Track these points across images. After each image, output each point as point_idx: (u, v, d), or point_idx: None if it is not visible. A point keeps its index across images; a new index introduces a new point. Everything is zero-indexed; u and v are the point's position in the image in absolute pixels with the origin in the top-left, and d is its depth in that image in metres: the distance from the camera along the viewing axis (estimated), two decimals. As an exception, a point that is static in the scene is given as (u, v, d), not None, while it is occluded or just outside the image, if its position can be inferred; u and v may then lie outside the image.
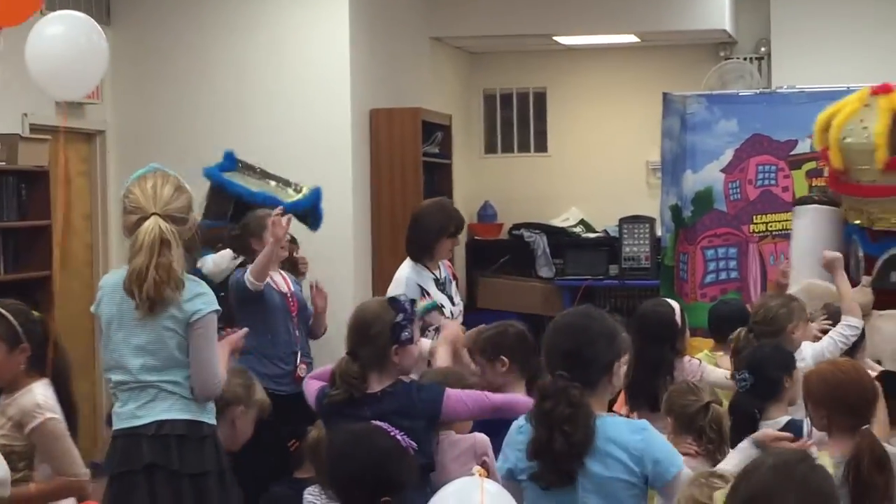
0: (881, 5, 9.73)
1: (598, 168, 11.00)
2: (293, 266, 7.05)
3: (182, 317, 4.28)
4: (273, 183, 7.74)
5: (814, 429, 3.90)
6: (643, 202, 10.30)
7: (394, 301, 4.22)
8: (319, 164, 8.57)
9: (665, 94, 8.17)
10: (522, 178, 11.25)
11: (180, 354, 4.29)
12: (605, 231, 10.75)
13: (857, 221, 6.44)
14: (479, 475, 2.96)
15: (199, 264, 6.88)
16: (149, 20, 8.81)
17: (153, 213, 4.25)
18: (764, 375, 4.48)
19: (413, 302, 4.35)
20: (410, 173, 9.14)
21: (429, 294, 6.07)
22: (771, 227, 7.95)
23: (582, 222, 11.02)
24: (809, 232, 6.73)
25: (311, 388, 4.33)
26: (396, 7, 9.67)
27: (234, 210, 7.38)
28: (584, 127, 11.23)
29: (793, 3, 9.87)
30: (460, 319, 6.18)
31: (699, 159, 7.96)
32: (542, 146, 11.45)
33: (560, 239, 10.74)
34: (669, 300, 5.69)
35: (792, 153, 7.93)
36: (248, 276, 6.18)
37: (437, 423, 4.14)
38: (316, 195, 7.73)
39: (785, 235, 7.86)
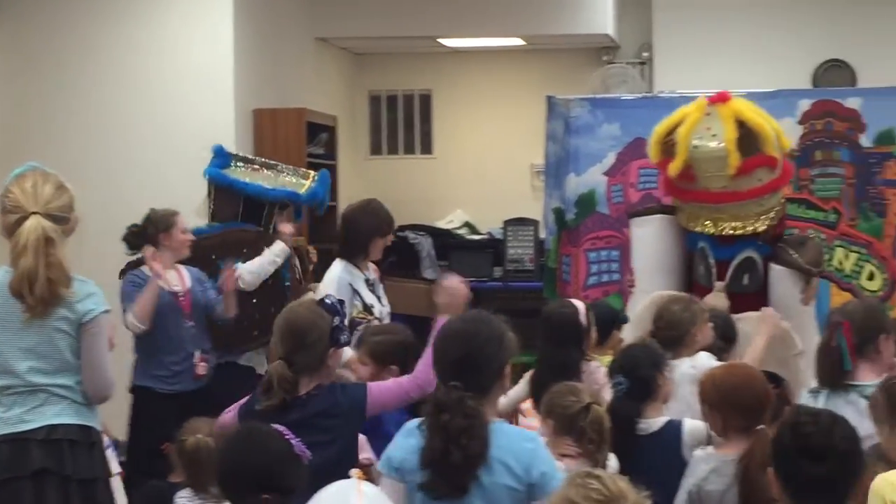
0: (760, 12, 9.91)
1: (483, 170, 11.05)
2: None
3: (74, 317, 4.20)
4: (283, 174, 7.49)
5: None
6: (527, 205, 10.36)
7: (325, 304, 4.19)
8: (203, 164, 8.46)
9: (549, 98, 8.22)
10: (407, 180, 11.25)
11: (71, 357, 4.21)
12: (490, 233, 10.79)
13: (703, 230, 6.51)
14: (357, 477, 2.94)
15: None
16: (24, 17, 8.62)
17: (34, 213, 4.16)
18: (637, 376, 4.53)
19: (342, 302, 4.33)
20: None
21: (360, 294, 6.09)
22: (653, 230, 8.04)
23: (467, 224, 11.05)
24: (654, 242, 6.80)
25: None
26: (281, 6, 9.59)
27: (245, 209, 7.18)
28: (470, 129, 11.27)
29: (674, 10, 10.02)
30: (387, 320, 6.23)
31: (582, 162, 8.02)
32: (427, 148, 11.47)
33: (445, 241, 10.75)
34: (574, 301, 5.74)
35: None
36: (132, 320, 6.13)
37: (363, 419, 4.12)
38: (326, 179, 7.62)
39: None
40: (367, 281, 6.25)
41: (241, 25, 8.73)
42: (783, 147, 6.58)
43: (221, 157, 7.31)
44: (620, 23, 10.41)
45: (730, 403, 3.94)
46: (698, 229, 6.53)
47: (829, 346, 4.48)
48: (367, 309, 6.23)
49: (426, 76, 11.35)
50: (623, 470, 4.08)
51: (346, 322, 5.27)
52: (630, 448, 4.29)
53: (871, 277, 7.75)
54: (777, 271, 6.46)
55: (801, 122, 7.87)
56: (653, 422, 4.48)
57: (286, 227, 7.04)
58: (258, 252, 6.91)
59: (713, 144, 6.33)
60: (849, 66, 9.70)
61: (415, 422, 3.46)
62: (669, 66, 9.94)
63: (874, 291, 7.69)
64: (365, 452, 4.17)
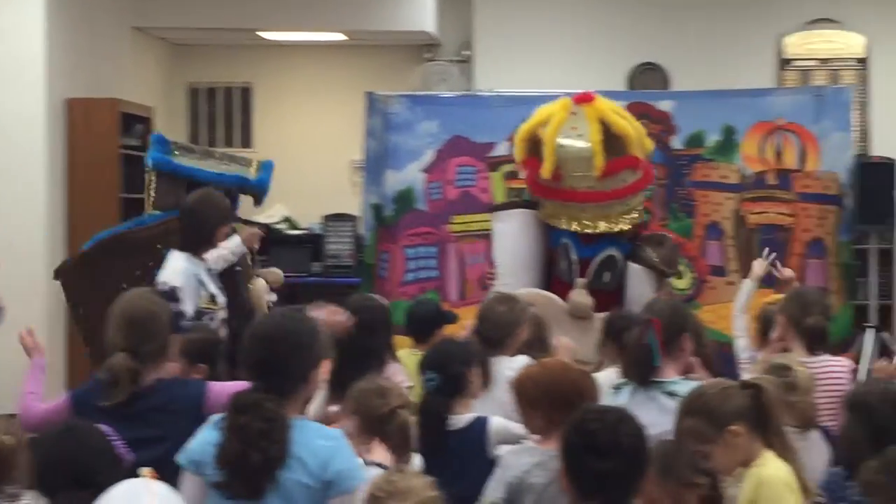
0: (578, 14, 10.07)
1: (303, 165, 10.97)
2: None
3: None
4: (223, 163, 7.22)
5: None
6: (347, 200, 10.32)
7: (163, 292, 4.10)
8: (10, 154, 8.23)
9: (368, 94, 8.21)
10: (227, 174, 11.10)
11: None
12: (309, 228, 10.73)
13: (567, 227, 6.56)
14: (148, 476, 2.88)
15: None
16: None
17: None
18: (449, 373, 4.55)
19: (174, 289, 4.23)
20: (108, 166, 8.89)
21: (205, 285, 5.97)
22: (470, 227, 8.10)
23: (286, 219, 10.97)
24: (516, 236, 6.79)
25: (36, 409, 4.16)
26: (97, -6, 9.38)
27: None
28: (290, 124, 11.19)
29: (495, 9, 10.11)
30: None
31: (401, 159, 8.04)
32: (247, 142, 11.34)
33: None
34: (376, 297, 5.73)
35: (490, 155, 8.12)
36: None
37: (200, 418, 4.02)
38: (270, 167, 7.41)
39: (484, 236, 8.03)
40: (208, 271, 6.15)
41: (55, 12, 8.50)
42: (645, 148, 6.70)
43: (161, 145, 7.02)
44: (441, 21, 10.46)
45: (550, 399, 3.98)
46: (563, 226, 6.58)
47: (641, 343, 4.56)
48: (213, 299, 6.12)
49: (247, 69, 11.23)
50: (430, 464, 4.09)
51: (194, 312, 5.21)
52: (437, 443, 4.31)
53: (680, 276, 7.94)
54: (634, 269, 6.54)
55: (614, 124, 8.02)
56: (461, 418, 4.50)
57: (252, 228, 6.87)
58: None
59: (580, 144, 6.36)
60: (662, 69, 9.93)
61: (218, 416, 3.40)
62: (489, 64, 10.02)
63: (683, 290, 7.88)
64: None
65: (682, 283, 7.89)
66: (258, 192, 7.35)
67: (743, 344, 5.76)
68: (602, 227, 6.48)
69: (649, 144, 6.78)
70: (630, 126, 6.51)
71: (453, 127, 8.13)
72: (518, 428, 4.35)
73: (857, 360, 7.68)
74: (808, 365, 4.68)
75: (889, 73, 9.67)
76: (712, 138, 7.96)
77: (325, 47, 11.01)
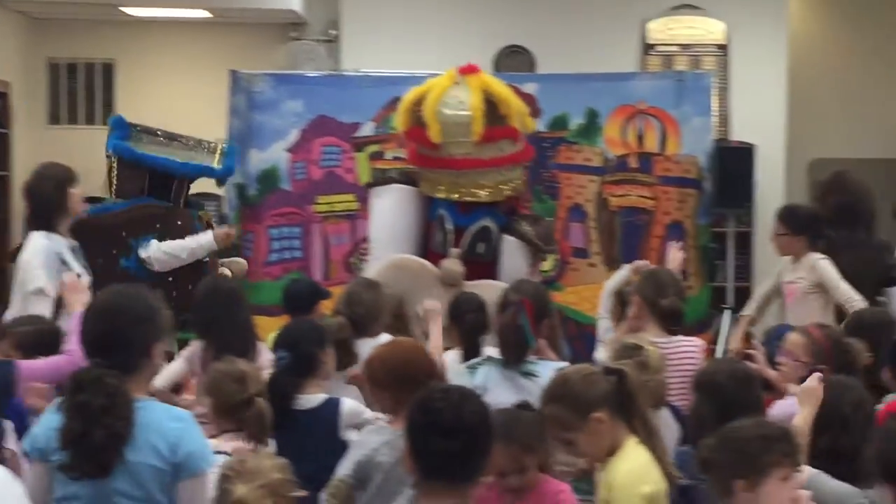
0: (446, -4, 10.08)
1: (167, 144, 10.79)
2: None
3: None
4: (188, 147, 7.00)
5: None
6: (211, 180, 10.18)
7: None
8: None
9: (233, 72, 8.14)
10: (89, 151, 10.80)
11: None
12: (173, 208, 10.56)
13: (445, 196, 6.62)
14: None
15: (142, 251, 6.32)
16: None
17: None
18: (301, 352, 4.53)
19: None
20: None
21: (67, 263, 5.81)
22: (335, 207, 8.08)
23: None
24: (393, 211, 6.81)
25: None
26: (-50, -36, 9.10)
27: (151, 183, 6.64)
28: (154, 101, 10.96)
29: (362, -11, 10.06)
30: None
31: (265, 138, 8.00)
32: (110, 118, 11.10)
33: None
34: (228, 278, 5.67)
35: (355, 135, 8.10)
36: None
37: (10, 397, 3.92)
38: (234, 151, 7.25)
39: (348, 216, 8.03)
40: (70, 248, 5.99)
41: None
42: (526, 125, 6.74)
43: (121, 129, 6.79)
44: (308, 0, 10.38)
45: (399, 379, 3.99)
46: (439, 196, 6.64)
47: (514, 324, 4.59)
48: (78, 276, 5.96)
49: (109, 45, 10.99)
50: (280, 443, 4.07)
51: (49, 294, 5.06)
52: (287, 422, 4.28)
53: (555, 254, 8.02)
54: (509, 242, 6.62)
55: (480, 105, 8.05)
56: (312, 398, 4.49)
57: (227, 229, 6.77)
58: (171, 227, 6.51)
59: (460, 111, 6.41)
60: (528, 52, 9.98)
61: (55, 405, 3.33)
62: (356, 45, 9.96)
63: (546, 271, 7.96)
64: (9, 443, 3.95)
65: (545, 265, 7.97)
66: (224, 180, 7.17)
67: (605, 325, 5.85)
68: (481, 195, 6.55)
69: (531, 124, 6.87)
70: (513, 98, 6.59)
71: (318, 107, 8.09)
72: (370, 413, 4.36)
73: (714, 341, 7.86)
74: (660, 345, 4.77)
75: (748, 60, 9.85)
76: (576, 121, 8.05)
77: (189, 24, 10.83)
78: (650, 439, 3.56)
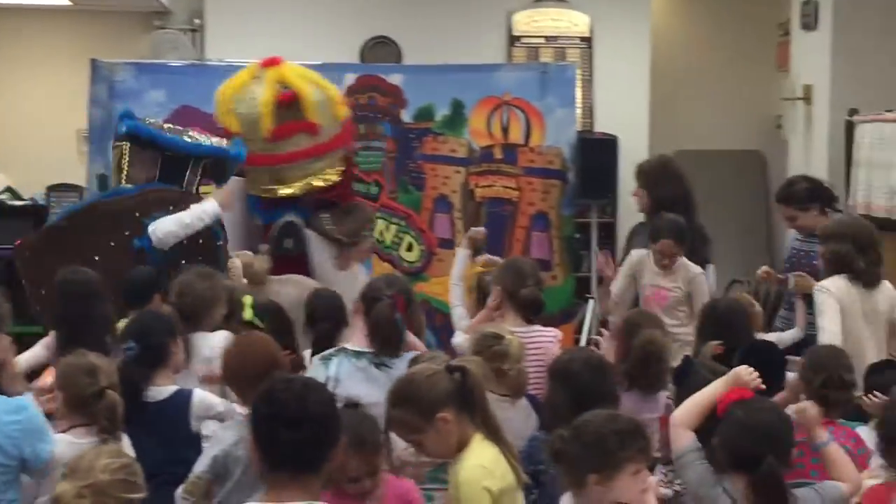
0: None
1: (27, 134, 10.58)
2: None
3: None
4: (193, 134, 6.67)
5: None
6: (73, 170, 9.98)
7: None
8: None
9: (93, 61, 7.98)
10: (-54, 141, 10.62)
11: None
12: (33, 199, 10.34)
13: (252, 192, 6.70)
14: None
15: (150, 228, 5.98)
16: None
17: None
18: (149, 343, 4.48)
19: None
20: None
21: None
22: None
23: (8, 189, 10.54)
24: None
25: None
26: None
27: (163, 171, 6.34)
28: (14, 91, 10.75)
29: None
30: None
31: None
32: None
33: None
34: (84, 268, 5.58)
35: (220, 126, 8.00)
36: None
37: None
38: (241, 143, 6.84)
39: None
40: None
41: None
42: (337, 115, 6.72)
43: (131, 118, 6.48)
44: (173, -12, 10.26)
45: (243, 374, 3.99)
46: (251, 192, 6.69)
47: (391, 319, 4.58)
48: None
49: (-34, 33, 10.74)
50: (132, 436, 4.02)
51: None
52: (137, 415, 4.23)
53: (409, 248, 8.05)
54: (310, 237, 6.63)
55: (345, 96, 8.02)
56: (162, 389, 4.43)
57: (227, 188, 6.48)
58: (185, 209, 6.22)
59: (252, 108, 6.41)
60: (395, 43, 9.99)
61: None
62: (221, 34, 9.86)
63: (412, 262, 8.00)
64: None
65: (411, 256, 8.00)
66: (234, 164, 6.95)
67: (460, 313, 5.89)
68: (280, 191, 6.61)
69: (342, 112, 6.86)
70: (311, 90, 6.59)
71: (182, 97, 7.97)
72: (221, 403, 4.33)
73: (578, 331, 7.96)
74: (519, 334, 4.80)
75: (612, 52, 10.00)
76: (441, 112, 8.07)
77: (49, 12, 10.62)
78: (495, 435, 3.57)
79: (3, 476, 3.18)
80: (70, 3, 10.28)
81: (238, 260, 6.39)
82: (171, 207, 6.17)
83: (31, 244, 6.45)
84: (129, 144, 6.36)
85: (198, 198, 6.36)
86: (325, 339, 5.06)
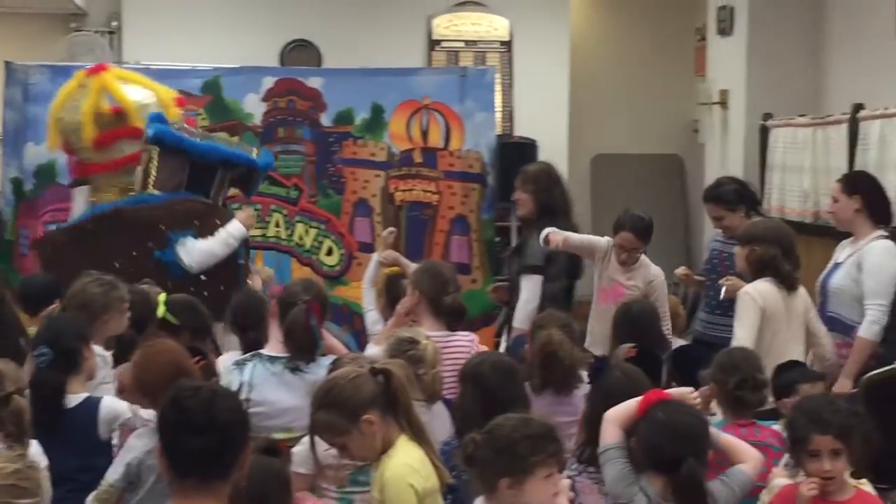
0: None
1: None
2: None
3: None
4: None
5: None
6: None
7: None
8: None
9: (7, 63, 7.88)
10: None
11: None
12: (-54, 204, 10.19)
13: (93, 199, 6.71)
14: None
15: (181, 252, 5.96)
16: None
17: None
18: (62, 348, 4.42)
19: None
20: None
21: None
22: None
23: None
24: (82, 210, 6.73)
25: None
26: None
27: (191, 179, 6.26)
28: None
29: (144, -21, 9.89)
30: None
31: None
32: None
33: None
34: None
35: (136, 129, 7.94)
36: None
37: None
38: (271, 154, 6.94)
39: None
40: None
41: None
42: (172, 117, 6.66)
43: (161, 121, 6.36)
44: (89, -10, 10.16)
45: (150, 382, 3.97)
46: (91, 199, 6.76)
47: (306, 325, 4.57)
48: None
49: None
50: (44, 443, 3.97)
51: None
52: (49, 421, 4.17)
53: (329, 252, 8.03)
54: None
55: (265, 100, 8.03)
56: (74, 397, 4.38)
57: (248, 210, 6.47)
58: (209, 225, 6.15)
59: (76, 116, 6.46)
60: (314, 46, 9.97)
61: None
62: (138, 36, 9.79)
63: (332, 266, 7.98)
64: None
65: (331, 260, 7.99)
66: (261, 175, 6.82)
67: (373, 317, 5.89)
68: (109, 198, 6.54)
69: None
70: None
71: (97, 99, 7.90)
72: (128, 410, 4.29)
73: (498, 334, 7.98)
74: (437, 339, 4.80)
75: (531, 56, 10.05)
76: (361, 116, 8.06)
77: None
78: (419, 436, 3.58)
79: None
80: (-15, 5, 10.15)
81: (258, 277, 6.37)
82: (196, 222, 6.17)
83: (54, 240, 6.47)
84: (157, 149, 6.27)
85: (224, 211, 6.37)
86: (254, 346, 4.99)
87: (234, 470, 2.79)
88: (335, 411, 3.53)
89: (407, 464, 3.51)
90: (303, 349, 4.58)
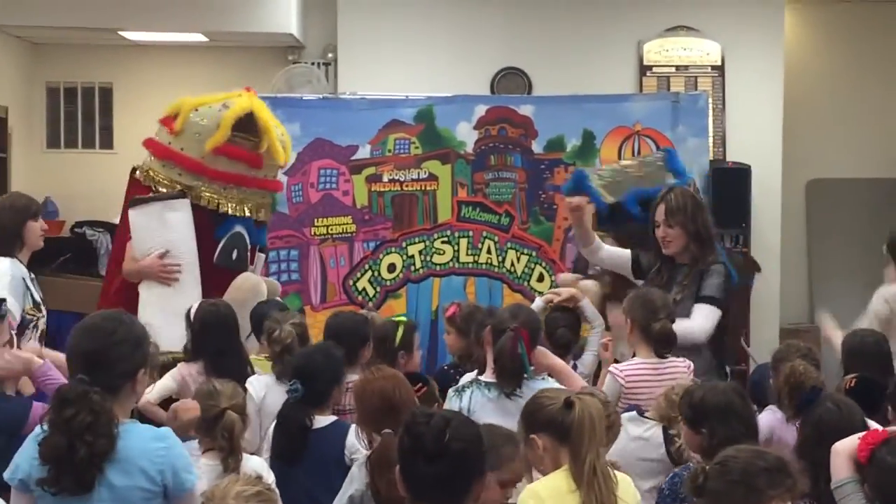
0: (442, 18, 10.09)
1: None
2: None
3: None
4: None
5: None
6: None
7: None
8: None
9: (230, 96, 8.13)
10: (86, 175, 10.91)
11: None
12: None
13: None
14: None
15: None
16: None
17: None
18: (314, 389, 4.61)
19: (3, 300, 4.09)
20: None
21: (30, 290, 5.87)
22: (332, 230, 8.11)
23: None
24: (189, 223, 6.41)
25: None
26: (-51, -9, 9.14)
27: None
28: (152, 124, 10.91)
29: (359, 11, 10.09)
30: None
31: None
32: (107, 143, 11.14)
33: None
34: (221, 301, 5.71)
35: (353, 158, 8.13)
36: None
37: (21, 435, 3.91)
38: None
39: (345, 238, 8.06)
40: (31, 278, 6.03)
41: None
42: (276, 161, 6.63)
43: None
44: (305, 23, 10.41)
45: (360, 412, 4.15)
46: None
47: (515, 352, 4.59)
48: (37, 305, 6.01)
49: (107, 69, 11.03)
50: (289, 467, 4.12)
51: (16, 318, 5.03)
52: (291, 450, 4.38)
53: (540, 279, 8.05)
54: None
55: (476, 128, 8.12)
56: (322, 418, 4.62)
57: None
58: None
59: (214, 115, 6.40)
60: (524, 74, 10.01)
61: (39, 429, 3.34)
62: (353, 67, 9.99)
63: (543, 293, 7.97)
64: None
65: (542, 286, 8.00)
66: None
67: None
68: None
69: (281, 158, 6.62)
70: (274, 129, 6.50)
71: (315, 129, 8.13)
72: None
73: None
74: (650, 364, 4.93)
75: (744, 80, 9.87)
76: (572, 143, 8.08)
77: (186, 48, 10.87)
78: (579, 472, 3.58)
79: (151, 502, 3.26)
80: (206, 40, 10.51)
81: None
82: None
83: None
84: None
85: None
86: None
87: (467, 499, 2.83)
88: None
89: (535, 490, 3.53)
90: (509, 375, 4.60)
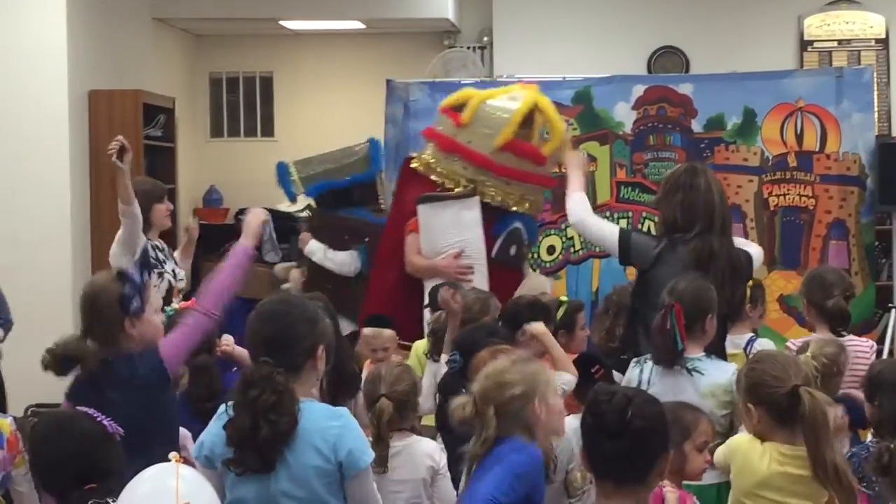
0: (596, -1, 10.08)
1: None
2: None
3: None
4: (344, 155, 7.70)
5: None
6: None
7: (121, 273, 4.10)
8: (34, 146, 8.30)
9: (388, 81, 8.24)
10: (249, 163, 11.15)
11: None
12: (337, 216, 10.75)
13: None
14: (175, 461, 2.92)
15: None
16: None
17: None
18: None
19: (146, 270, 4.22)
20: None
21: (161, 263, 6.43)
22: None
23: (309, 207, 10.99)
24: (480, 222, 6.48)
25: None
26: (117, -15, 9.43)
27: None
28: (311, 112, 11.22)
29: (514, -6, 10.13)
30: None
31: (421, 146, 8.05)
32: (268, 130, 11.39)
33: (286, 224, 10.66)
34: None
35: (511, 141, 8.13)
36: None
37: (168, 379, 4.04)
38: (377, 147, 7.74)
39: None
40: (160, 249, 6.55)
41: (76, 4, 8.54)
42: (555, 157, 6.64)
43: (284, 172, 7.65)
44: (461, 7, 10.48)
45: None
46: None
47: (664, 328, 4.58)
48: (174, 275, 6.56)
49: (267, 58, 11.27)
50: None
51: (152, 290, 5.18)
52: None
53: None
54: None
55: (635, 108, 8.05)
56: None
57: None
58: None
59: (507, 108, 6.48)
60: (682, 52, 9.92)
61: (223, 408, 3.45)
62: (509, 50, 10.03)
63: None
64: (186, 450, 4.02)
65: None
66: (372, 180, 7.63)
67: None
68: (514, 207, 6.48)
69: (561, 157, 6.52)
70: (561, 127, 6.51)
71: (473, 113, 8.14)
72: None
73: (880, 341, 7.70)
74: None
75: (910, 53, 9.64)
76: (733, 121, 7.96)
77: (344, 35, 11.03)
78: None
79: (324, 480, 3.34)
80: (364, 27, 10.65)
81: (295, 272, 6.66)
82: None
83: None
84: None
85: None
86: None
87: (651, 477, 2.84)
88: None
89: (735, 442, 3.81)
90: (659, 350, 4.58)
